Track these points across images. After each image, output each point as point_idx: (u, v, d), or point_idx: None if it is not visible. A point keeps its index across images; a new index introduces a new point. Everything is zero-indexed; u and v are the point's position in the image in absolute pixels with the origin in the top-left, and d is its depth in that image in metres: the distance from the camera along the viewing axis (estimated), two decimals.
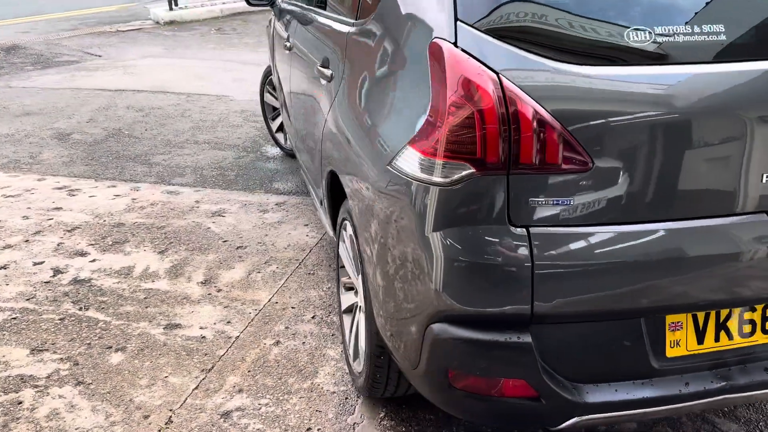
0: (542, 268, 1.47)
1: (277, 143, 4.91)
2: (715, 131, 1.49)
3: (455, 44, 1.50)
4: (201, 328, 2.72)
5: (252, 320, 2.77)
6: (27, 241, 3.53)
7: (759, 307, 1.66)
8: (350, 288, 2.48)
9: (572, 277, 1.49)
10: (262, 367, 2.47)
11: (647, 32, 1.46)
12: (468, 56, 1.47)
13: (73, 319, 2.79)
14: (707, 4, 1.48)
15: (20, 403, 2.29)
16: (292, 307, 2.87)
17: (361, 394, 2.30)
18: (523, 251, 1.47)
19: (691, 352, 1.64)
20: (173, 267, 3.22)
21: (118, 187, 4.31)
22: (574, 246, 1.48)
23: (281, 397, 2.31)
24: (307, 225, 3.69)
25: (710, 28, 1.47)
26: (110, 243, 3.49)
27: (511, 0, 1.49)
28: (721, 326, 1.65)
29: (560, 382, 1.57)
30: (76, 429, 2.17)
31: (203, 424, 2.19)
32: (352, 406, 2.28)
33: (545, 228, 1.48)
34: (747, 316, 1.66)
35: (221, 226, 3.70)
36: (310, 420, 2.20)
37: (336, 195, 2.45)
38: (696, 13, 1.47)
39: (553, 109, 1.43)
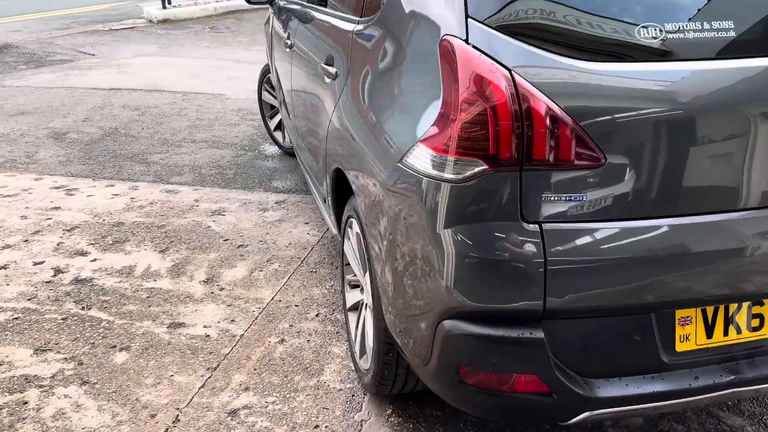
0: (555, 264, 1.48)
1: (275, 141, 4.90)
2: (725, 127, 1.50)
3: (466, 41, 1.50)
4: (205, 326, 2.71)
5: (256, 318, 2.77)
6: (26, 240, 3.51)
7: (767, 302, 1.68)
8: (355, 286, 2.48)
9: (584, 273, 1.50)
10: (268, 365, 2.47)
11: (658, 29, 1.46)
12: (480, 53, 1.48)
13: (75, 318, 2.78)
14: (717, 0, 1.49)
15: (26, 403, 2.28)
16: (296, 305, 2.87)
17: (367, 391, 2.30)
18: (536, 247, 1.48)
19: (700, 347, 1.65)
20: (175, 266, 3.21)
21: (116, 186, 4.29)
22: (586, 242, 1.49)
23: (288, 395, 2.31)
24: (307, 223, 3.69)
25: (720, 24, 1.48)
26: (110, 242, 3.48)
27: None
28: (730, 320, 1.66)
29: (572, 377, 1.58)
30: (83, 429, 2.16)
31: (211, 422, 2.18)
32: (359, 403, 2.28)
33: (558, 224, 1.48)
34: (755, 310, 1.68)
35: (221, 224, 3.69)
36: (317, 417, 2.21)
37: (340, 192, 2.46)
38: (706, 10, 1.48)
39: (566, 105, 1.44)
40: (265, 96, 4.81)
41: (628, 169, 1.48)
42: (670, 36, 1.47)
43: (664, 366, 1.63)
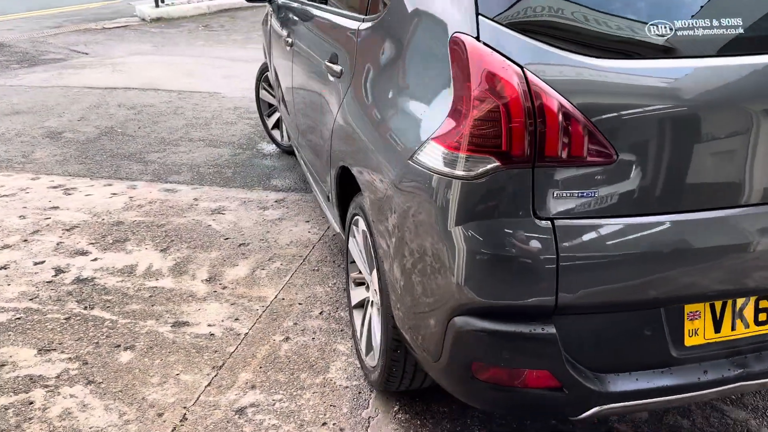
0: (567, 260, 1.49)
1: (273, 140, 4.89)
2: (734, 123, 1.52)
3: (477, 38, 1.51)
4: (209, 325, 2.71)
5: (260, 317, 2.77)
6: (25, 240, 3.49)
7: None
8: (360, 283, 2.48)
9: (596, 269, 1.51)
10: (274, 363, 2.47)
11: (667, 26, 1.48)
12: (491, 50, 1.48)
13: (78, 318, 2.77)
14: None
15: (31, 403, 2.27)
16: (299, 304, 2.87)
17: (374, 388, 2.31)
18: (549, 244, 1.48)
19: (709, 341, 1.67)
20: (176, 265, 3.21)
21: (115, 185, 4.27)
22: (597, 238, 1.50)
23: (295, 393, 2.31)
24: (308, 221, 3.69)
25: (729, 21, 1.49)
26: (111, 242, 3.46)
27: None
28: (738, 315, 1.68)
29: (583, 372, 1.59)
30: (90, 428, 2.16)
31: (218, 420, 2.19)
32: (365, 400, 2.29)
33: (569, 220, 1.49)
34: (762, 304, 1.70)
35: (222, 223, 3.68)
36: (325, 415, 2.21)
37: (345, 190, 2.46)
38: (715, 7, 1.49)
39: (577, 102, 1.45)
40: (263, 94, 4.80)
41: (639, 166, 1.49)
42: (679, 33, 1.48)
43: (674, 360, 1.64)
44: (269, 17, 4.18)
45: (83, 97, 6.45)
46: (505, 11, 1.51)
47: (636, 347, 1.62)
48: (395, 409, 2.25)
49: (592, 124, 1.45)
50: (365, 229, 2.15)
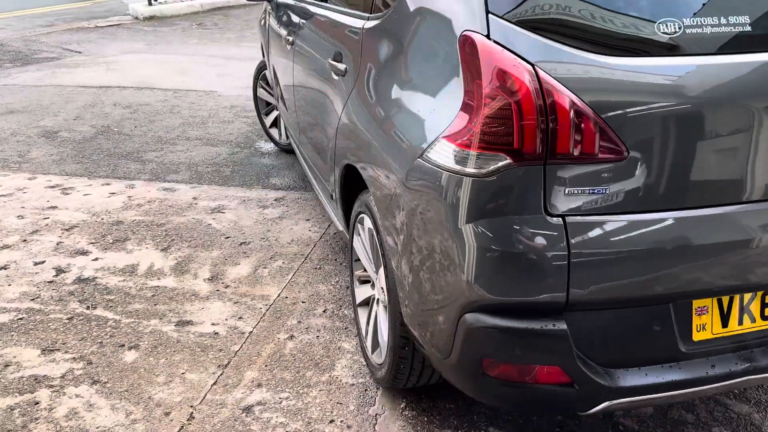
0: (578, 256, 1.50)
1: (271, 139, 4.89)
2: (745, 119, 1.53)
3: (488, 36, 1.52)
4: (213, 324, 2.71)
5: (263, 315, 2.77)
6: (25, 240, 3.48)
7: None
8: (365, 281, 2.49)
9: (606, 265, 1.52)
10: (279, 362, 2.47)
11: (677, 24, 1.49)
12: (502, 48, 1.49)
13: (81, 318, 2.77)
14: None
15: (37, 403, 2.26)
16: (303, 302, 2.87)
17: (381, 385, 2.31)
18: (560, 240, 1.50)
19: (716, 336, 1.68)
20: (178, 264, 3.20)
21: (113, 185, 4.26)
22: (608, 234, 1.51)
23: (301, 391, 2.32)
24: (308, 220, 3.69)
25: (737, 19, 1.50)
26: (111, 241, 3.45)
27: None
28: (745, 309, 1.70)
29: (593, 368, 1.60)
30: (97, 428, 2.15)
31: (225, 419, 2.19)
32: (372, 397, 2.29)
33: (580, 217, 1.51)
34: None
35: (222, 222, 3.68)
36: (332, 412, 2.22)
37: (349, 188, 2.46)
38: (723, 5, 1.50)
39: (588, 99, 1.46)
40: (261, 93, 4.79)
41: (649, 163, 1.50)
42: (688, 31, 1.49)
43: (682, 355, 1.66)
44: (267, 16, 4.17)
45: (78, 96, 6.42)
46: (513, 9, 1.52)
47: (645, 342, 1.64)
48: (402, 406, 2.25)
49: (603, 121, 1.46)
50: (371, 227, 2.15)
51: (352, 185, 2.42)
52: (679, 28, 1.49)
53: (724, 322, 1.69)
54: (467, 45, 1.55)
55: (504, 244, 1.53)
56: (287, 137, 4.56)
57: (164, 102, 6.17)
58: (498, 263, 1.54)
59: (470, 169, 1.53)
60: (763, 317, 1.72)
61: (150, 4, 11.29)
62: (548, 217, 1.50)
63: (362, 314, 2.49)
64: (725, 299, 1.68)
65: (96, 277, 3.09)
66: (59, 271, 3.15)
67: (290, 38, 3.25)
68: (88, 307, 2.84)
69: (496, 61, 1.49)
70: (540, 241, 1.50)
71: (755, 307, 1.71)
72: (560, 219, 1.50)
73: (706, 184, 1.55)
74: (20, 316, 2.78)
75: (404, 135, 1.79)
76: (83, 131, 5.33)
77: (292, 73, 3.26)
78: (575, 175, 1.49)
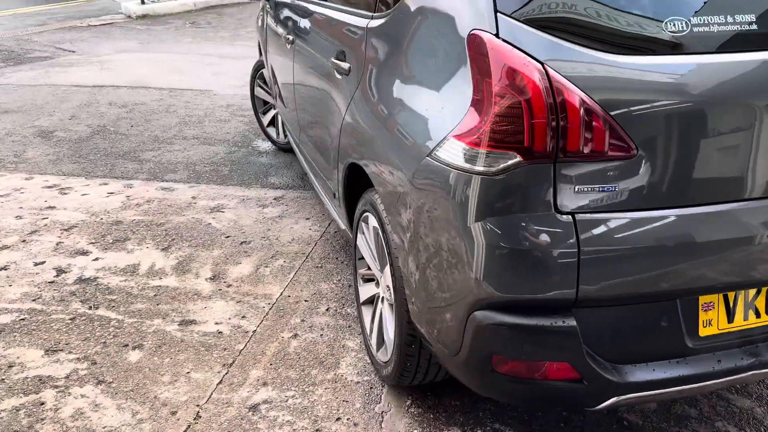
0: (588, 253, 1.51)
1: (268, 137, 4.88)
2: (755, 116, 1.55)
3: (497, 35, 1.53)
4: (216, 323, 2.71)
5: (266, 314, 2.77)
6: (24, 241, 3.46)
7: None
8: (369, 279, 2.50)
9: (616, 262, 1.54)
10: (284, 360, 2.48)
11: (684, 22, 1.50)
12: (512, 47, 1.50)
13: (84, 318, 2.76)
14: None
15: (42, 403, 2.26)
16: (305, 300, 2.88)
17: (386, 383, 2.32)
18: (570, 238, 1.51)
19: (722, 331, 1.70)
20: (179, 263, 3.20)
21: (111, 184, 4.25)
22: (617, 231, 1.53)
23: (307, 389, 2.32)
24: (308, 218, 3.69)
25: (743, 17, 1.52)
26: (111, 241, 3.45)
27: None
28: (750, 305, 1.72)
29: (601, 364, 1.62)
30: (103, 428, 2.15)
31: (232, 417, 2.19)
32: (377, 395, 2.30)
33: (590, 214, 1.52)
34: None
35: (221, 221, 3.68)
36: (338, 410, 2.22)
37: (352, 188, 2.47)
38: (730, 3, 1.52)
39: (597, 97, 1.47)
40: (258, 92, 4.79)
41: (658, 160, 1.52)
42: (695, 30, 1.51)
43: (689, 351, 1.68)
44: (265, 14, 4.17)
45: (72, 95, 6.39)
46: (521, 8, 1.53)
47: (653, 338, 1.66)
48: (408, 403, 2.26)
49: (612, 119, 1.47)
50: (376, 226, 2.16)
51: (355, 184, 2.42)
52: (686, 26, 1.50)
53: (730, 318, 1.71)
54: (476, 44, 1.56)
55: (514, 241, 1.54)
56: (285, 136, 4.56)
57: (160, 101, 6.15)
58: (508, 261, 1.56)
59: (480, 168, 1.54)
60: None
61: (143, 2, 11.25)
62: (558, 215, 1.51)
63: (366, 312, 2.49)
64: (731, 295, 1.70)
65: (97, 277, 3.08)
66: (60, 271, 3.14)
67: (290, 37, 3.25)
68: (90, 308, 2.83)
69: (506, 59, 1.50)
70: (550, 238, 1.51)
71: (760, 303, 1.73)
72: (570, 217, 1.51)
73: (714, 182, 1.57)
74: (22, 317, 2.77)
75: (412, 133, 1.79)
76: (79, 131, 5.31)
77: (293, 71, 3.26)
78: (585, 172, 1.50)
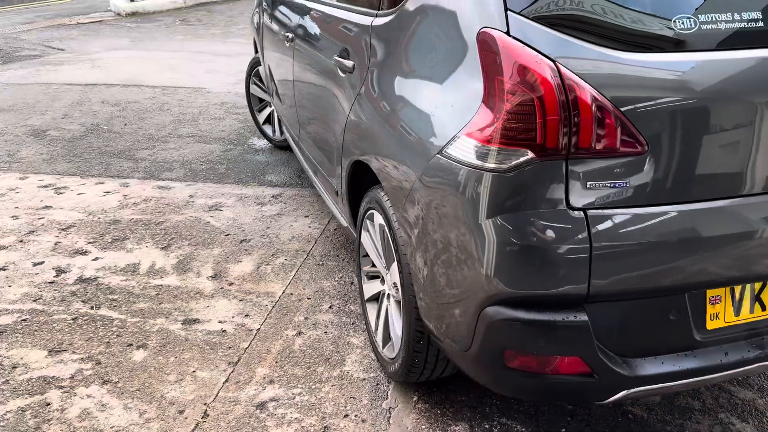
0: (599, 249, 1.53)
1: (264, 135, 4.87)
2: (763, 112, 1.57)
3: (507, 33, 1.54)
4: (220, 322, 2.71)
5: (270, 312, 2.78)
6: (21, 241, 3.44)
7: None
8: (374, 276, 2.50)
9: (627, 257, 1.56)
10: (289, 358, 2.48)
11: (692, 20, 1.52)
12: (523, 44, 1.51)
13: (86, 318, 2.75)
14: None
15: (48, 404, 2.25)
16: (308, 298, 2.88)
17: (393, 379, 2.33)
18: (582, 234, 1.52)
19: (729, 324, 1.73)
20: (180, 262, 3.19)
21: (106, 183, 4.22)
22: (628, 226, 1.54)
23: (313, 386, 2.33)
24: (307, 216, 3.69)
25: (750, 15, 1.54)
26: (110, 240, 3.43)
27: None
28: (756, 298, 1.74)
29: (612, 358, 1.64)
30: (111, 428, 2.15)
31: (240, 416, 2.19)
32: (384, 391, 2.31)
33: (602, 210, 1.53)
34: None
35: (220, 220, 3.67)
36: (345, 407, 2.23)
37: (356, 186, 2.47)
38: (738, 0, 1.54)
39: (609, 94, 1.49)
40: (254, 89, 4.77)
41: (669, 156, 1.53)
42: (704, 27, 1.52)
43: (696, 344, 1.70)
44: (261, 11, 4.15)
45: (64, 94, 6.34)
46: (531, 5, 1.54)
47: (662, 332, 1.68)
48: (414, 399, 2.28)
49: (623, 115, 1.49)
50: (382, 223, 2.17)
51: (359, 181, 2.43)
52: (694, 23, 1.52)
53: (737, 311, 1.73)
54: (487, 42, 1.57)
55: (526, 238, 1.55)
56: (282, 134, 4.55)
57: (153, 99, 6.12)
58: (520, 257, 1.57)
59: (492, 165, 1.55)
60: None
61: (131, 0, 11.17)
62: (570, 211, 1.53)
63: (371, 309, 2.50)
64: (737, 288, 1.72)
65: (98, 277, 3.07)
66: (59, 271, 3.13)
67: (289, 35, 3.25)
68: (92, 307, 2.82)
69: (518, 57, 1.51)
70: (563, 234, 1.53)
71: (766, 296, 1.75)
72: (582, 212, 1.53)
73: (724, 177, 1.59)
74: (23, 318, 2.76)
75: (420, 131, 1.80)
76: (72, 129, 5.27)
77: (292, 69, 3.25)
78: (596, 168, 1.52)
